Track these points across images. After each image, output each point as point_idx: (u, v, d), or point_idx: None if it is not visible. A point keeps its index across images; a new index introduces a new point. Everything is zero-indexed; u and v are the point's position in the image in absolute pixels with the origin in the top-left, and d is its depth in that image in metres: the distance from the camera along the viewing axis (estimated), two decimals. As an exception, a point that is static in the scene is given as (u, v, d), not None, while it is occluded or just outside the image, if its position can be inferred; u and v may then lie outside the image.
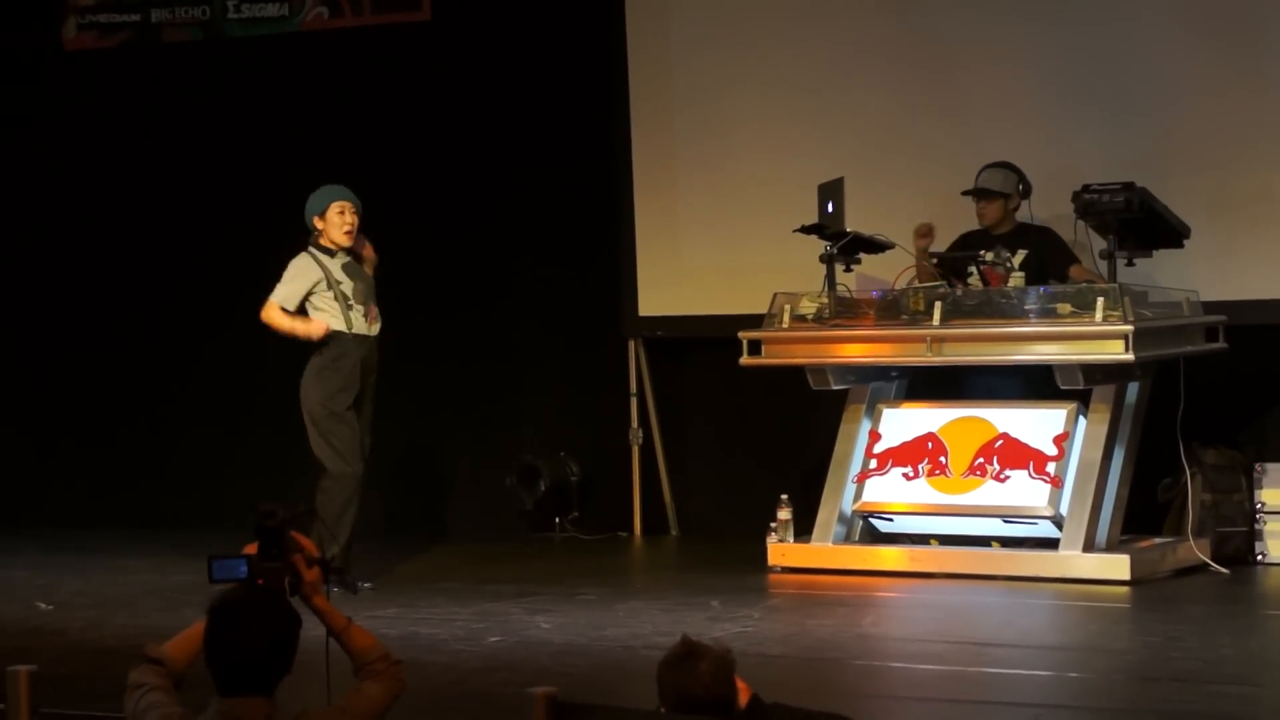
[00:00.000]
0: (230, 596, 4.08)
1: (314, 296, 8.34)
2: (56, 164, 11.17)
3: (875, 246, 8.73)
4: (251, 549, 4.21)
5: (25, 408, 11.30)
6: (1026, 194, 8.68)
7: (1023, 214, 8.71)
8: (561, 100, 10.18)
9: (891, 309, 8.46)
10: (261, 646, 4.01)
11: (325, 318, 8.31)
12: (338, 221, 8.32)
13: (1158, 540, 8.40)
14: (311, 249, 8.38)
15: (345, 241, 8.34)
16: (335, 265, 8.36)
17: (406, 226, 10.01)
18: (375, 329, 8.41)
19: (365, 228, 8.48)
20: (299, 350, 8.45)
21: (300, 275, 8.35)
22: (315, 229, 8.37)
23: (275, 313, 8.36)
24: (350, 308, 8.33)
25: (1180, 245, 8.39)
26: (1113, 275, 8.22)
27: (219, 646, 4.03)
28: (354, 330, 8.33)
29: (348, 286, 8.33)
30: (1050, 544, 8.15)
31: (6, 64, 11.22)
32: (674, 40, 9.82)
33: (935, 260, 8.67)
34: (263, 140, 10.71)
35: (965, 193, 8.73)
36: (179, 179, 10.92)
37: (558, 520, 10.08)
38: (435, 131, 10.44)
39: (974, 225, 8.78)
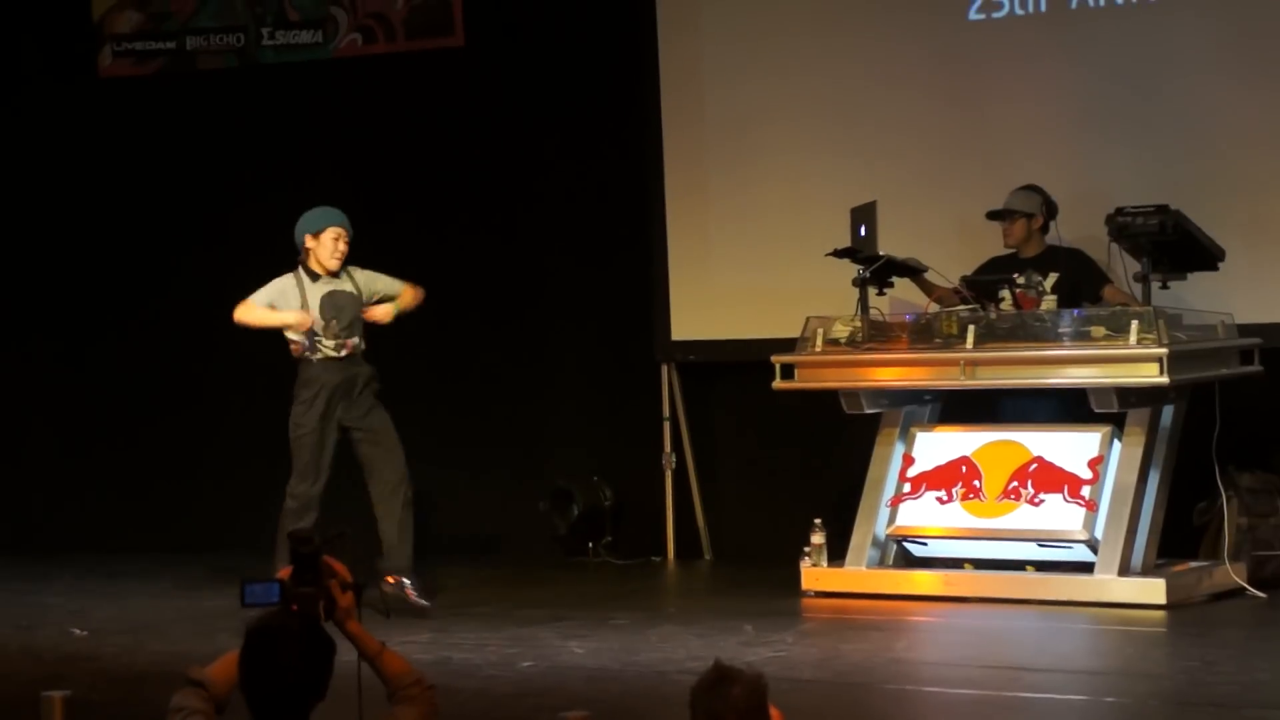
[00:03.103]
0: (266, 623, 4.07)
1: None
2: (92, 192, 11.23)
3: (908, 270, 8.72)
4: (285, 573, 4.21)
5: (61, 433, 11.34)
6: (1052, 214, 8.66)
7: (1052, 236, 8.70)
8: (594, 127, 10.19)
9: (925, 332, 8.45)
10: (296, 673, 4.01)
11: (295, 339, 8.44)
12: (331, 247, 8.45)
13: (1193, 564, 8.35)
14: (300, 271, 8.48)
15: (334, 266, 8.46)
16: (315, 294, 8.44)
17: (440, 253, 10.05)
18: (347, 353, 8.47)
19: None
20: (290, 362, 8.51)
21: (280, 295, 8.48)
22: (305, 247, 8.47)
23: (252, 309, 8.50)
24: (318, 340, 8.40)
25: (1215, 268, 8.36)
26: (1147, 298, 8.19)
27: (254, 673, 4.03)
28: (318, 357, 8.43)
29: (318, 324, 8.40)
30: (1085, 568, 8.12)
31: (42, 91, 11.29)
32: (707, 67, 9.83)
33: (965, 285, 8.65)
34: (297, 167, 10.74)
35: (989, 215, 8.73)
36: (215, 207, 10.96)
37: (591, 545, 10.07)
38: (467, 160, 10.46)
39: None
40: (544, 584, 9.35)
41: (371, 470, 8.48)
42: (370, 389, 8.49)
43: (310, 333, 8.41)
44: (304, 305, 8.40)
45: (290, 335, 8.48)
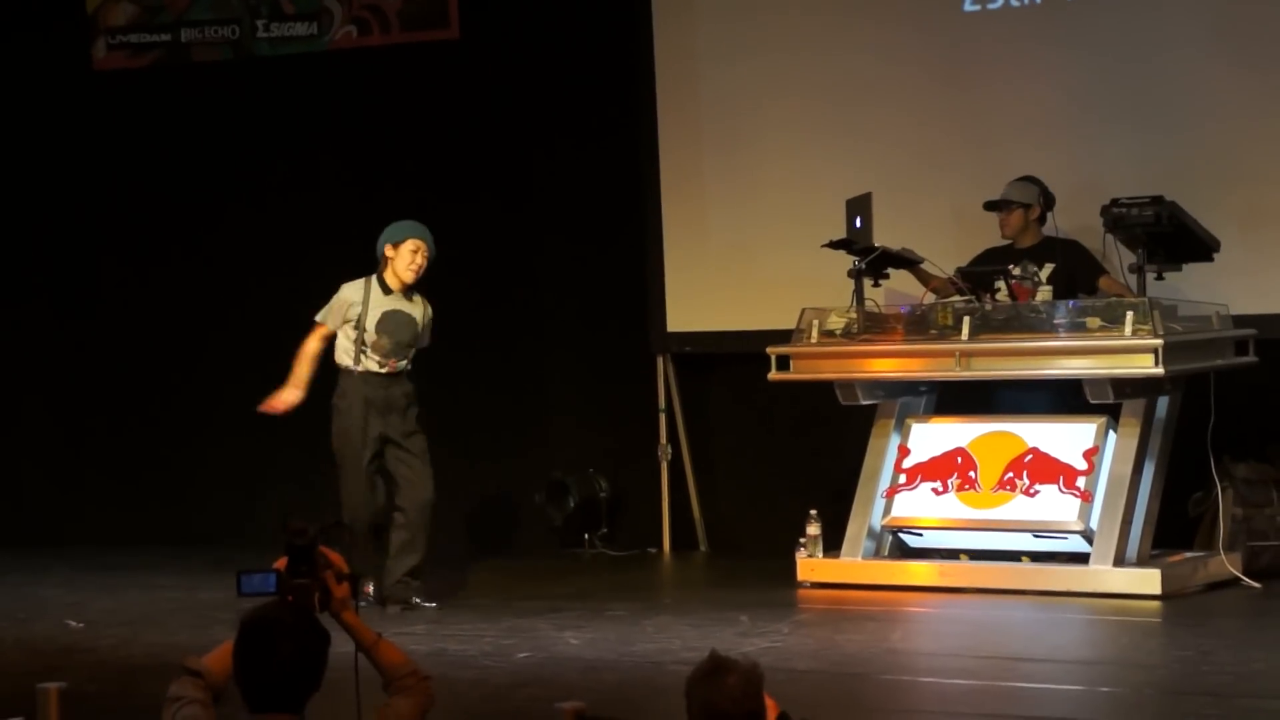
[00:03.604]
0: (260, 614, 4.07)
1: (345, 323, 8.41)
2: (87, 184, 11.22)
3: (904, 261, 8.72)
4: (280, 563, 4.21)
5: (57, 425, 11.34)
6: (1049, 205, 8.66)
7: (1048, 227, 8.70)
8: (589, 118, 10.20)
9: (920, 324, 8.45)
10: (291, 664, 4.01)
11: (342, 346, 8.36)
12: (409, 259, 8.35)
13: (1189, 555, 8.37)
14: (374, 279, 8.40)
15: (409, 279, 8.36)
16: (379, 308, 8.35)
17: (436, 244, 10.03)
18: (388, 370, 8.39)
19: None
20: (329, 371, 8.47)
21: (340, 299, 8.39)
22: (384, 257, 8.39)
23: (307, 341, 8.39)
24: (364, 351, 8.35)
25: (1210, 259, 8.37)
26: (1142, 289, 8.20)
27: (249, 664, 4.03)
28: (360, 369, 8.36)
29: (369, 336, 8.33)
30: (1080, 558, 8.13)
31: (37, 84, 11.28)
32: (701, 55, 9.83)
33: (961, 276, 8.65)
34: (292, 159, 10.74)
35: (986, 206, 8.73)
36: (210, 199, 10.96)
37: (587, 536, 10.08)
38: (462, 152, 10.46)
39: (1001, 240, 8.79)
40: (540, 575, 9.35)
41: (399, 490, 8.41)
42: (414, 409, 8.41)
43: (359, 341, 8.36)
44: (365, 313, 8.32)
45: (339, 339, 8.41)
